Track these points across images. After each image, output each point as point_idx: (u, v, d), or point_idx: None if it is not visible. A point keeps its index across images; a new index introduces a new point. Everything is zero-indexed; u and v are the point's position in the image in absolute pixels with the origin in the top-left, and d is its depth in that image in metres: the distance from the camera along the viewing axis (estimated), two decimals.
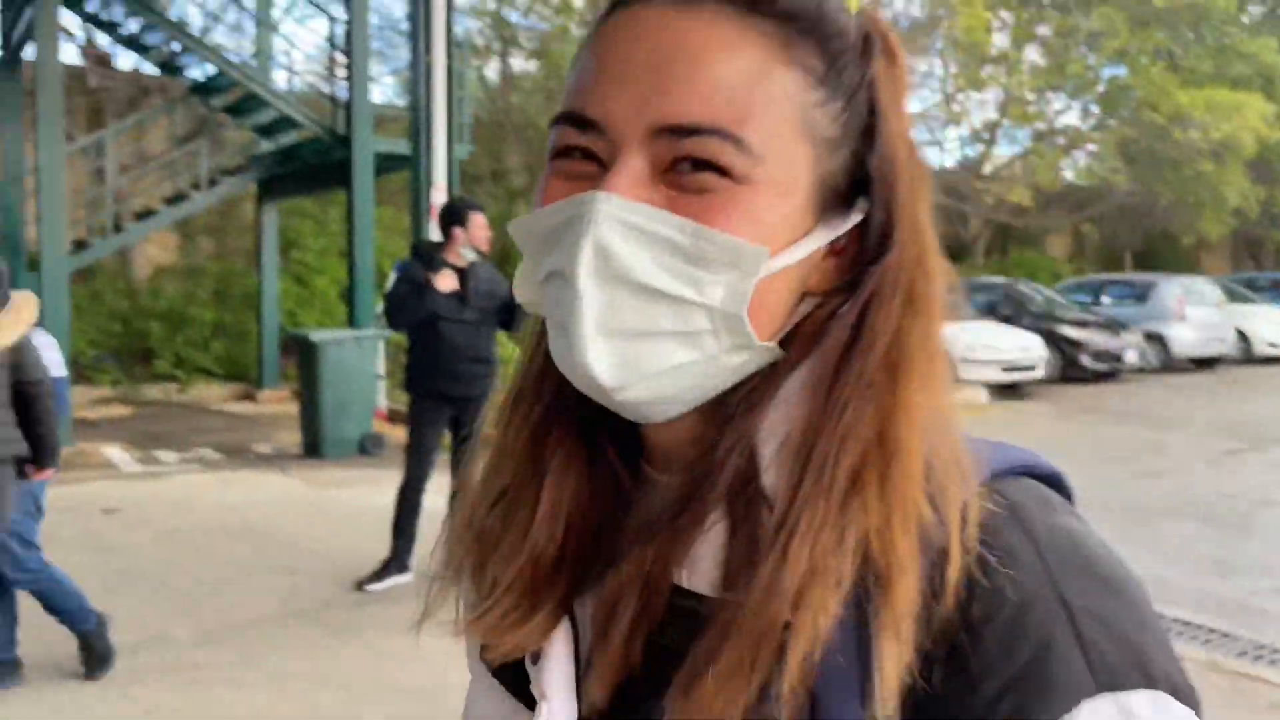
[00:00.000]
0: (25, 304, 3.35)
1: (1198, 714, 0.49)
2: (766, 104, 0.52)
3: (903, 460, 0.51)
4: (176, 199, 11.10)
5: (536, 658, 0.60)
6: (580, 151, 0.54)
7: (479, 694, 0.71)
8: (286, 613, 4.67)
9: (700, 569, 0.54)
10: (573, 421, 0.61)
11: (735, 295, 0.52)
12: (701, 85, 0.51)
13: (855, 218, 0.55)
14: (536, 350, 0.63)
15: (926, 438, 0.52)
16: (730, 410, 0.55)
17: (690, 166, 0.52)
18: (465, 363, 4.97)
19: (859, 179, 0.55)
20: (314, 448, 8.33)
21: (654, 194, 0.52)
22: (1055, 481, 0.57)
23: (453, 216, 5.06)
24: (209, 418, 10.75)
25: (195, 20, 12.19)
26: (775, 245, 0.53)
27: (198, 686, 3.85)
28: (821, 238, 0.55)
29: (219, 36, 12.08)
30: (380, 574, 5.03)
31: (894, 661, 0.48)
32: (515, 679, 0.64)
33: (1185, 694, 0.48)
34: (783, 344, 0.55)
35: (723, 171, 0.52)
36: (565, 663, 0.60)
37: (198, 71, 10.45)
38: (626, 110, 0.52)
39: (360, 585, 4.98)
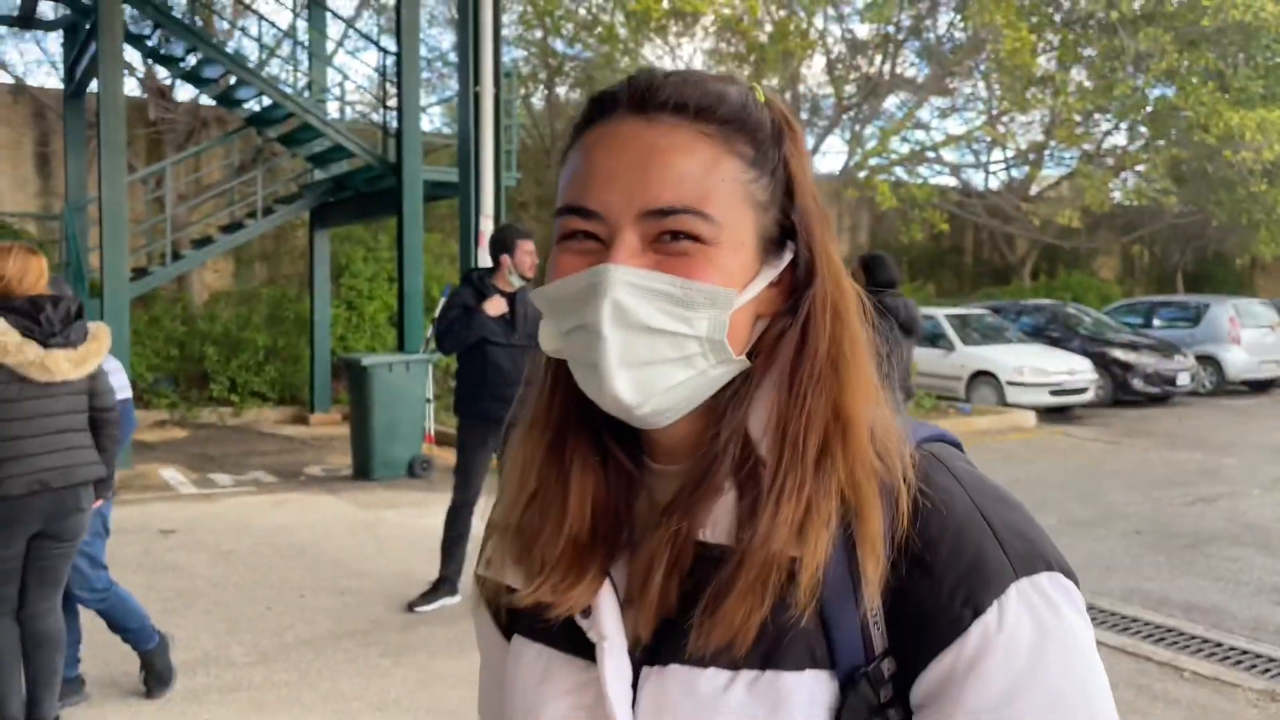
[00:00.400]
0: (102, 333, 3.48)
1: (1076, 584, 0.71)
2: (719, 185, 0.72)
3: (855, 428, 0.73)
4: (233, 227, 11.38)
5: (586, 613, 0.76)
6: (583, 234, 0.73)
7: (495, 667, 0.90)
8: (339, 633, 4.75)
9: (719, 525, 0.72)
10: (584, 435, 0.79)
11: (717, 325, 0.71)
12: (672, 177, 0.71)
13: (787, 258, 0.75)
14: (548, 384, 0.82)
15: (868, 412, 0.73)
16: (721, 409, 0.74)
17: (670, 237, 0.71)
18: (513, 386, 5.05)
19: (785, 229, 0.75)
20: (364, 470, 8.47)
21: (646, 260, 0.71)
22: (957, 444, 0.79)
23: (501, 244, 5.16)
24: (262, 440, 10.96)
25: (251, 54, 12.50)
26: (739, 285, 0.72)
27: (254, 706, 3.94)
28: (767, 276, 0.74)
29: (274, 69, 12.38)
30: (430, 595, 5.10)
31: (874, 569, 0.69)
32: (550, 637, 0.80)
33: (1069, 572, 0.71)
34: (750, 355, 0.75)
35: (695, 238, 0.71)
36: (613, 611, 0.76)
37: (254, 103, 10.73)
38: (620, 201, 0.71)
39: (411, 607, 5.05)
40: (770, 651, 0.71)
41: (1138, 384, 13.91)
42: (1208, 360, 15.25)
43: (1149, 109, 16.88)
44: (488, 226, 8.57)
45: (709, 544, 0.73)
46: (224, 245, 11.43)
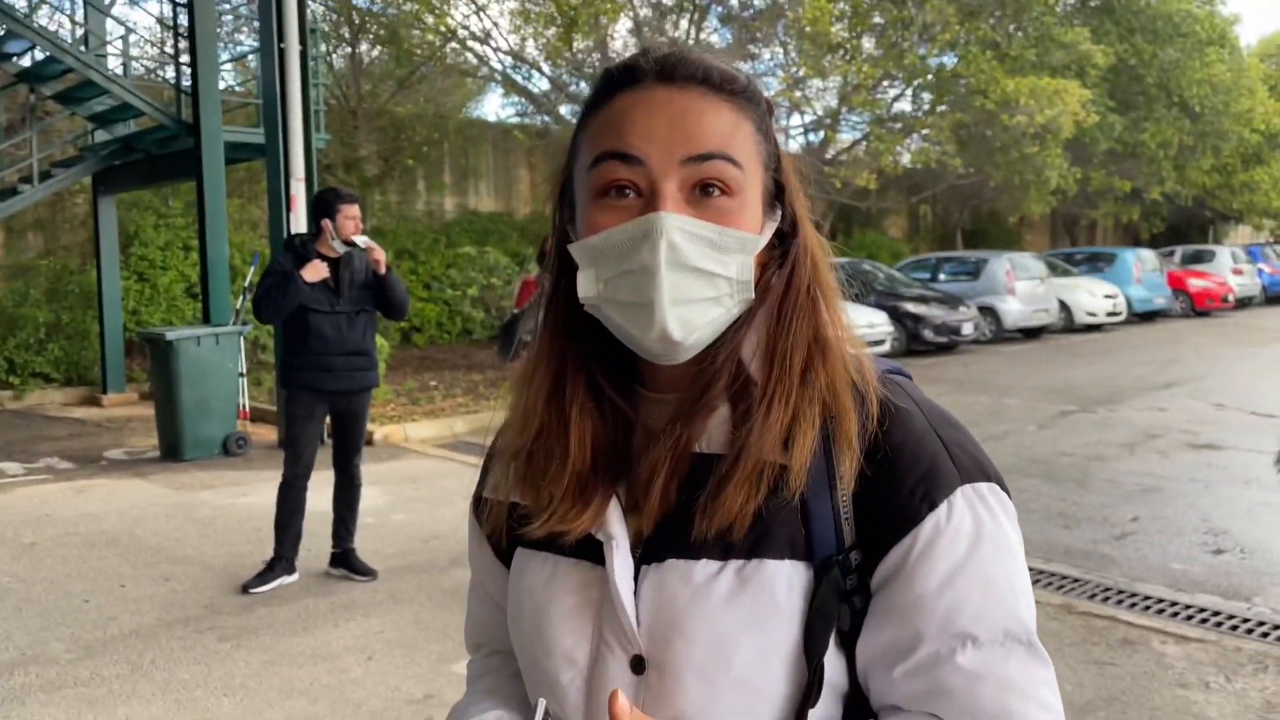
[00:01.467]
0: None
1: (1009, 497, 0.85)
2: (742, 140, 0.84)
3: (832, 349, 0.87)
4: (5, 193, 10.36)
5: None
6: (620, 188, 0.82)
7: (488, 588, 1.02)
8: (169, 620, 4.52)
9: (714, 438, 0.85)
10: (581, 380, 0.89)
11: (744, 267, 0.83)
12: (707, 130, 0.82)
13: (777, 215, 0.88)
14: (548, 332, 0.91)
15: (843, 339, 0.88)
16: (723, 337, 0.84)
17: (702, 191, 0.82)
18: (339, 355, 4.89)
19: (774, 191, 0.88)
20: (174, 450, 8.00)
21: (688, 210, 0.82)
22: (909, 377, 0.94)
23: (321, 208, 4.97)
24: (51, 425, 10.13)
25: (19, 1, 11.35)
26: (757, 232, 0.85)
27: (85, 703, 3.70)
28: (771, 227, 0.87)
29: (45, 20, 11.29)
30: (265, 575, 4.93)
31: (849, 462, 0.83)
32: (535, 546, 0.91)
33: (1004, 486, 0.85)
34: None
35: (725, 190, 0.82)
36: (619, 517, 0.87)
37: (25, 57, 9.77)
38: (660, 152, 0.82)
39: (245, 588, 4.86)
40: (757, 543, 0.82)
41: (928, 334, 14.94)
42: (987, 311, 16.54)
43: (932, 76, 17.97)
44: (300, 189, 8.20)
45: (705, 454, 0.84)
46: None
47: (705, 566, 0.82)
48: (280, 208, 8.34)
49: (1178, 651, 4.05)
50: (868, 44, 18.09)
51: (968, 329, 15.33)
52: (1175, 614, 4.46)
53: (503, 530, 0.96)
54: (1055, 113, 16.37)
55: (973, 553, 0.80)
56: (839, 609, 0.82)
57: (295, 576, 5.01)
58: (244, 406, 8.59)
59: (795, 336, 0.86)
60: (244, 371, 8.64)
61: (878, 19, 17.55)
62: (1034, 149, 17.65)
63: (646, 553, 0.85)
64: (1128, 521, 5.99)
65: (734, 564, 0.82)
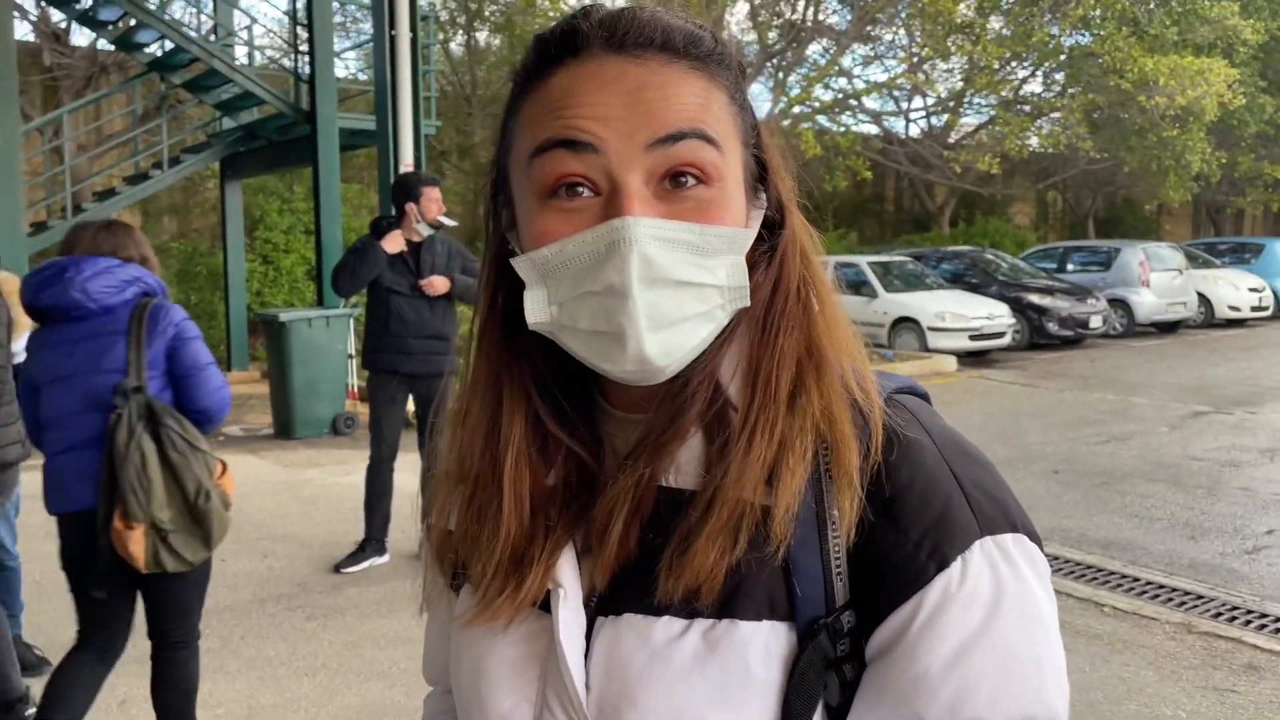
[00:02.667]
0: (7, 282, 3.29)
1: (1041, 549, 0.70)
2: (716, 114, 0.69)
3: (828, 363, 0.71)
4: (137, 178, 10.87)
5: None
6: (570, 187, 0.67)
7: (442, 619, 0.89)
8: (263, 597, 4.63)
9: (684, 470, 0.71)
10: (519, 418, 0.75)
11: (736, 270, 0.69)
12: (675, 105, 0.67)
13: (761, 200, 0.73)
14: (479, 363, 0.77)
15: (841, 348, 0.72)
16: (700, 352, 0.70)
17: (672, 182, 0.67)
18: (417, 338, 4.89)
19: (755, 171, 0.73)
20: (285, 429, 8.25)
21: (658, 208, 0.66)
22: (925, 396, 0.78)
23: (404, 191, 4.98)
24: None
25: None
26: (744, 225, 0.70)
27: None
28: (759, 216, 0.72)
29: (176, 11, 11.80)
30: (356, 556, 5.00)
31: (849, 501, 0.68)
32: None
33: (1034, 536, 0.70)
34: None
35: (701, 178, 0.67)
36: (570, 561, 0.74)
37: (156, 47, 10.21)
38: (619, 136, 0.66)
39: (337, 568, 4.94)
40: (728, 600, 0.68)
41: (1052, 327, 14.28)
42: (1118, 303, 15.71)
43: (1064, 56, 17.14)
44: None
45: (673, 489, 0.71)
46: (128, 198, 10.92)
47: (668, 625, 0.69)
48: (389, 193, 8.48)
49: None
50: (995, 23, 17.38)
51: (1096, 322, 14.59)
52: None
53: (448, 561, 0.83)
54: (1198, 94, 15.39)
55: (990, 622, 0.65)
56: (826, 681, 0.68)
57: (386, 558, 5.06)
58: (353, 387, 8.80)
59: (783, 351, 0.71)
60: (353, 353, 8.85)
61: None
62: (1174, 132, 16.65)
63: (602, 605, 0.72)
64: (1261, 534, 5.55)
65: (701, 624, 0.68)
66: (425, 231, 4.91)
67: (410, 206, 4.89)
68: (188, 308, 12.38)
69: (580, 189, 0.67)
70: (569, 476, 0.76)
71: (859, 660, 0.69)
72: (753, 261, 0.71)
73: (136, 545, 2.63)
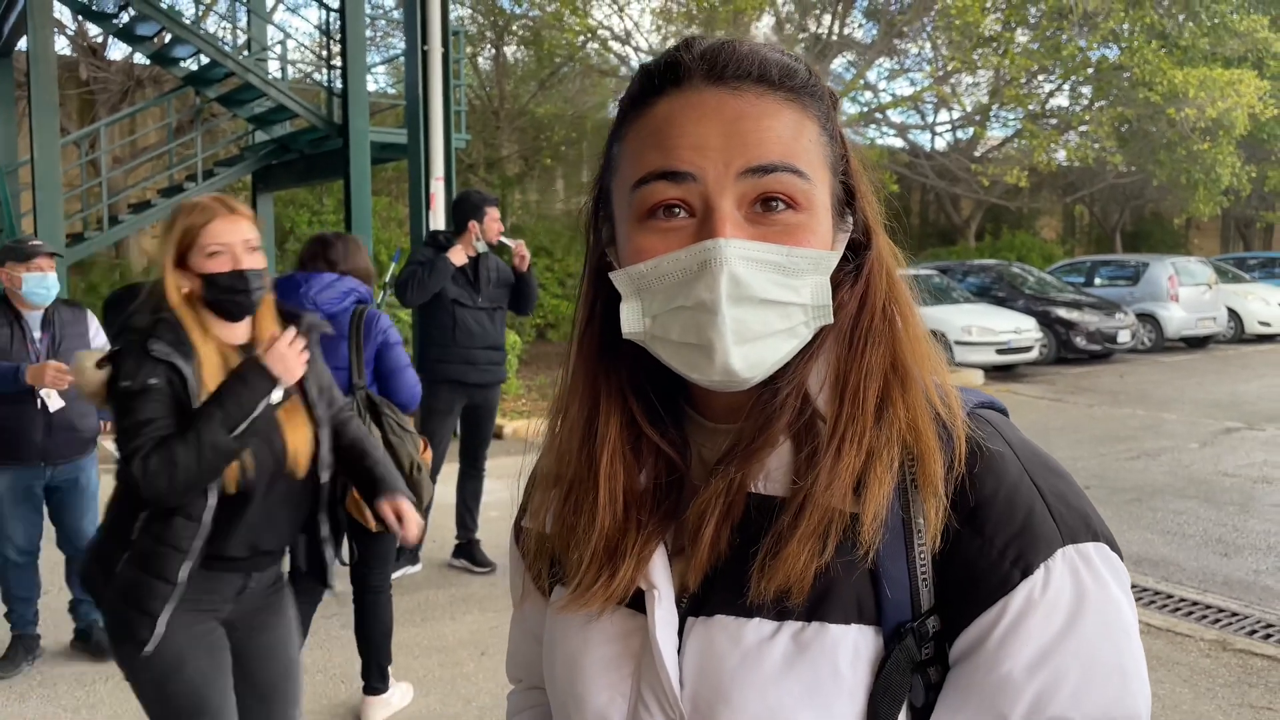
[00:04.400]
0: None
1: (1121, 559, 0.73)
2: (806, 146, 0.73)
3: (913, 378, 0.75)
4: (172, 190, 11.03)
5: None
6: (667, 208, 0.72)
7: (529, 620, 0.94)
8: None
9: (773, 478, 0.74)
10: (615, 420, 0.79)
11: (820, 290, 0.72)
12: (769, 138, 0.71)
13: (848, 224, 0.77)
14: (578, 364, 0.81)
15: (924, 363, 0.76)
16: (788, 364, 0.74)
17: (763, 206, 0.71)
18: (482, 349, 5.01)
19: (844, 199, 0.77)
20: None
21: (746, 232, 0.71)
22: (1004, 411, 0.82)
23: (467, 210, 5.06)
24: None
25: (187, 10, 12.08)
26: (829, 247, 0.74)
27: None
28: (843, 238, 0.77)
29: (211, 26, 11.97)
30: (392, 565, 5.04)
31: (934, 510, 0.71)
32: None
33: (1115, 545, 0.73)
34: None
35: (790, 203, 0.72)
36: (663, 562, 0.77)
37: (191, 62, 10.37)
38: (716, 164, 0.71)
39: None
40: (817, 603, 0.71)
41: (1080, 342, 14.18)
42: (1147, 318, 15.59)
43: (1092, 69, 17.07)
44: (439, 189, 8.41)
45: (762, 495, 0.74)
46: (163, 209, 11.06)
47: (758, 627, 0.73)
48: (420, 206, 8.57)
49: None
50: (1022, 36, 17.34)
51: (1124, 337, 14.48)
52: None
53: (544, 563, 0.88)
54: (1228, 105, 15.27)
55: (1072, 627, 0.68)
56: (911, 682, 0.71)
57: (419, 566, 5.11)
58: None
59: (869, 365, 0.75)
60: None
61: (1033, 9, 16.80)
62: (1204, 145, 16.52)
63: (694, 605, 0.76)
64: None
65: (791, 626, 0.72)
66: (482, 249, 5.01)
67: (473, 224, 4.98)
68: None
69: (677, 210, 0.72)
70: (659, 478, 0.80)
71: (943, 663, 0.72)
72: (838, 280, 0.76)
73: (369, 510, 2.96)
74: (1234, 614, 4.54)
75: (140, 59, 12.06)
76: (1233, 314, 16.72)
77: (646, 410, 0.80)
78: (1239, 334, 16.84)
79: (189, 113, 11.84)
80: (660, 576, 0.77)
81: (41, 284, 3.80)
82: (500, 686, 3.82)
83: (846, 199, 0.78)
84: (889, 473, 0.72)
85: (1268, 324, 16.96)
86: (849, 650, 0.71)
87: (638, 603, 0.78)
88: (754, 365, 0.71)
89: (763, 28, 18.55)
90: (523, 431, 8.99)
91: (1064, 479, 0.75)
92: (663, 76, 0.74)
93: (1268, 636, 4.28)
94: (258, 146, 11.18)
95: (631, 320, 0.75)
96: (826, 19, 18.32)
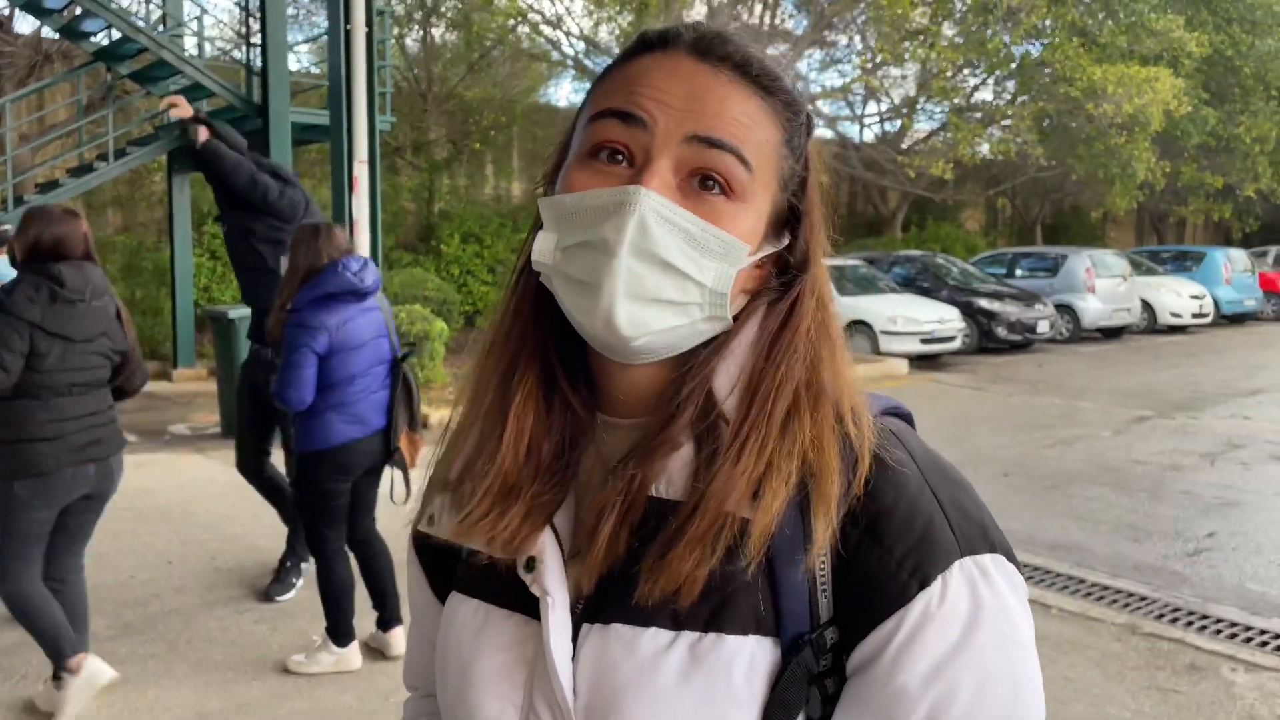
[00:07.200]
0: None
1: (1018, 568, 0.73)
2: (761, 144, 0.73)
3: (825, 396, 0.74)
4: (81, 170, 10.61)
5: (529, 567, 0.75)
6: (612, 152, 0.72)
7: (425, 626, 0.91)
8: (211, 601, 4.54)
9: (674, 481, 0.73)
10: (534, 368, 0.78)
11: (723, 278, 0.72)
12: (727, 117, 0.72)
13: (784, 242, 0.77)
14: (510, 308, 0.80)
15: (839, 385, 0.75)
16: (687, 364, 0.74)
17: (701, 184, 0.71)
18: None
19: (787, 215, 0.77)
20: (233, 428, 8.09)
21: (675, 199, 0.71)
22: (909, 418, 0.82)
23: None
24: None
25: None
26: (750, 247, 0.73)
27: (119, 681, 3.71)
28: (768, 249, 0.76)
29: (124, 0, 11.51)
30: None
31: (823, 530, 0.70)
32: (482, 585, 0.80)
33: (1011, 556, 0.73)
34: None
35: (725, 189, 0.71)
36: (557, 565, 0.75)
37: (102, 36, 9.97)
38: (668, 119, 0.71)
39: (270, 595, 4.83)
40: (715, 614, 0.70)
41: (1002, 332, 14.50)
42: (1065, 309, 16.00)
43: (1015, 65, 17.41)
44: (363, 172, 8.22)
45: (662, 499, 0.73)
46: (72, 189, 10.65)
47: (655, 637, 0.71)
48: (343, 189, 8.37)
49: (1249, 681, 3.80)
50: (949, 30, 17.60)
51: (1043, 327, 14.85)
52: (1249, 640, 4.19)
53: (436, 569, 0.87)
54: (1144, 102, 15.71)
55: (968, 639, 0.68)
56: (808, 694, 0.70)
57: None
58: None
59: (783, 376, 0.74)
60: None
61: (959, 3, 17.06)
62: (1121, 139, 16.98)
63: (588, 610, 0.74)
64: (1203, 537, 5.68)
65: (688, 637, 0.70)
66: None
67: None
68: (132, 303, 12.12)
69: (619, 157, 0.72)
70: (562, 444, 0.78)
71: (840, 675, 0.72)
72: (759, 291, 0.77)
73: (413, 447, 3.91)
74: (1143, 598, 4.67)
75: (49, 33, 11.54)
76: (1146, 306, 17.25)
77: (565, 369, 0.79)
78: (1152, 325, 17.38)
79: (100, 89, 11.38)
80: (554, 582, 0.74)
81: None
82: None
83: (791, 220, 0.78)
84: (785, 486, 0.71)
85: (1179, 315, 17.54)
86: (745, 662, 0.70)
87: (530, 609, 0.75)
88: (636, 325, 0.70)
89: (695, 16, 18.55)
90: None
91: (962, 488, 0.75)
92: (654, 40, 0.76)
93: (1175, 620, 4.40)
94: (173, 126, 10.78)
95: (544, 249, 0.74)
96: (758, 9, 18.38)
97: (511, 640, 0.77)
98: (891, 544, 0.70)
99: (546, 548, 0.75)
